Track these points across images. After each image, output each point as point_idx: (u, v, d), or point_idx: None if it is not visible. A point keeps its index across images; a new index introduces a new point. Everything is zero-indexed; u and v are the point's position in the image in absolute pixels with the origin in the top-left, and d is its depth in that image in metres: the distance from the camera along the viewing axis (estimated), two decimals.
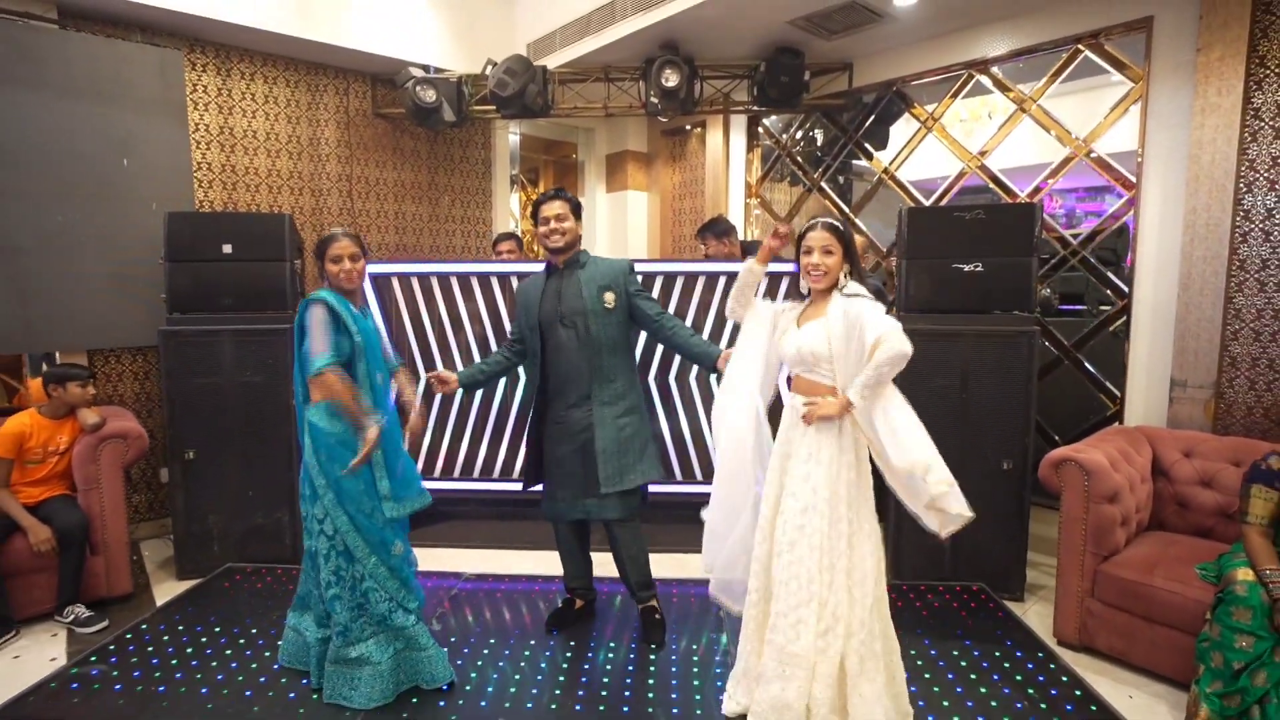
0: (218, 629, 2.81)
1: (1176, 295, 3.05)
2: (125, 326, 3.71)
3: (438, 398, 3.93)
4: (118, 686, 2.41)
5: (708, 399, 3.84)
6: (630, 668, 2.54)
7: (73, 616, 2.88)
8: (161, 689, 2.39)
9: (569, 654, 2.64)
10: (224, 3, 3.71)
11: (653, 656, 2.62)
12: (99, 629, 2.87)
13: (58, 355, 3.60)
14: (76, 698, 2.35)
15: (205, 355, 3.33)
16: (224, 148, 4.12)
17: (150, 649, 2.66)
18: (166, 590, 3.25)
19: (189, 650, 2.64)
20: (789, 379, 2.24)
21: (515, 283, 3.82)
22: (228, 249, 3.37)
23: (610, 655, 2.63)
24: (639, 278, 2.68)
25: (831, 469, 2.01)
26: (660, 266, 3.89)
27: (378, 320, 2.56)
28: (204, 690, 2.39)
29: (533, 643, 2.71)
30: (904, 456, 1.92)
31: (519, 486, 3.83)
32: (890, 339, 1.89)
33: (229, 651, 2.63)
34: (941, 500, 1.94)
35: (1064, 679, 2.43)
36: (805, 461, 2.05)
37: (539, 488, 2.73)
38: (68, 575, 2.90)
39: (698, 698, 2.36)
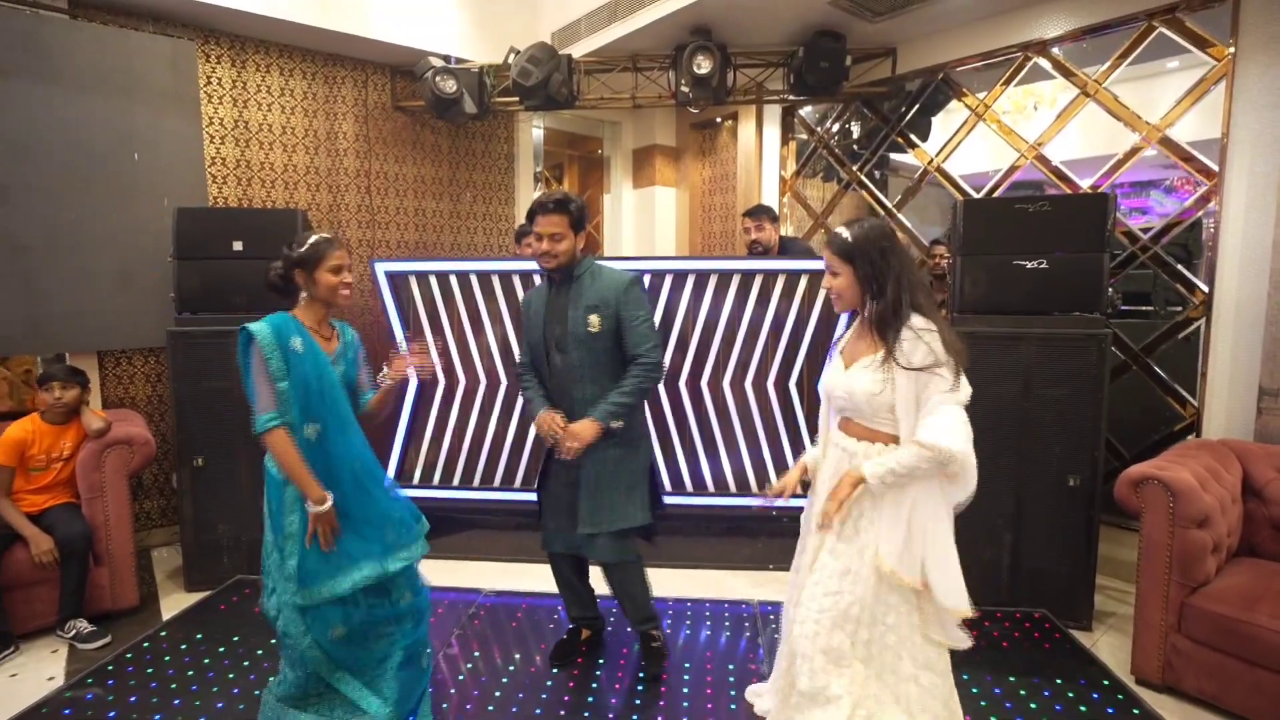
0: (222, 649, 2.64)
1: (1267, 294, 2.75)
2: (136, 327, 3.58)
3: (454, 408, 3.76)
4: (112, 714, 2.24)
5: (765, 409, 3.61)
6: (661, 689, 2.33)
7: (74, 632, 2.74)
8: (158, 717, 2.23)
9: (593, 682, 2.43)
10: None
11: (686, 677, 2.40)
12: (101, 645, 2.73)
13: (68, 357, 3.47)
14: None
15: (215, 357, 3.18)
16: (239, 142, 3.98)
17: (150, 670, 2.50)
18: (174, 603, 3.11)
19: (190, 673, 2.48)
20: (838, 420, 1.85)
21: (538, 281, 3.62)
22: (238, 246, 3.22)
23: (636, 678, 2.43)
24: (641, 292, 2.30)
25: (888, 537, 1.65)
26: (691, 264, 3.67)
27: (362, 357, 2.13)
28: (202, 718, 2.22)
29: (554, 670, 2.51)
30: (941, 595, 1.62)
31: (536, 496, 3.68)
32: (941, 432, 1.54)
33: (232, 675, 2.47)
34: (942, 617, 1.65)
35: None
36: (851, 539, 1.71)
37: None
38: (69, 588, 2.76)
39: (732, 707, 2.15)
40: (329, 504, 1.84)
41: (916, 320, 1.63)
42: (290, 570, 1.85)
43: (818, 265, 3.51)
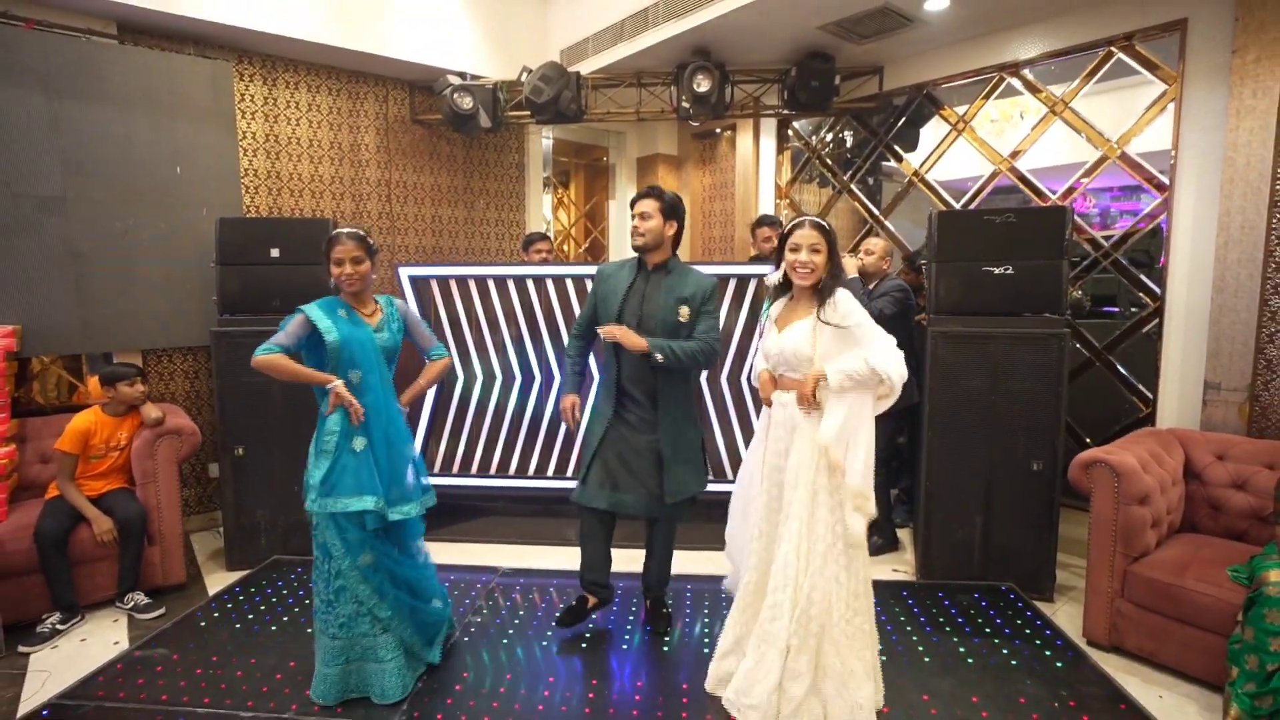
0: (268, 618, 2.94)
1: (1210, 298, 3.04)
2: (178, 327, 3.87)
3: (472, 401, 4.05)
4: (178, 670, 2.54)
5: (739, 399, 3.90)
6: (663, 659, 2.63)
7: (133, 603, 3.04)
8: (219, 673, 2.52)
9: (604, 645, 2.73)
10: (271, 16, 3.86)
11: (687, 641, 2.69)
12: (156, 615, 3.02)
13: (114, 355, 3.76)
14: (140, 679, 2.49)
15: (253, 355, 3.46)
16: (269, 154, 4.27)
17: (206, 635, 2.80)
18: (217, 580, 3.39)
19: (241, 639, 2.77)
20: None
21: (550, 285, 3.92)
22: (275, 252, 3.51)
23: (643, 640, 2.72)
24: (715, 296, 2.59)
25: (817, 456, 2.07)
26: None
27: (411, 318, 2.56)
28: (258, 675, 2.51)
29: (567, 636, 2.81)
30: (850, 476, 2.05)
31: (548, 484, 3.97)
32: (885, 361, 2.00)
33: (281, 639, 2.76)
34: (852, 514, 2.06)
35: (1094, 679, 2.45)
36: (797, 451, 2.14)
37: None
38: (128, 564, 3.05)
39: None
40: (339, 381, 2.27)
41: (841, 292, 2.11)
42: (315, 480, 2.25)
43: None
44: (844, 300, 2.10)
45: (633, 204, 2.60)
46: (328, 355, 2.32)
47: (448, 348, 4.04)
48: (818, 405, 2.09)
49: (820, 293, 2.13)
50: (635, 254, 2.64)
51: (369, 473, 2.30)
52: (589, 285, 3.80)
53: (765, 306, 2.35)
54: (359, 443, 2.31)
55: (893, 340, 2.06)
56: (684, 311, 2.51)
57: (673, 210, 2.57)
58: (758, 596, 2.21)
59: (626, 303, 2.57)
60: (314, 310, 2.31)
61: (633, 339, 2.44)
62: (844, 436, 2.03)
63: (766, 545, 2.22)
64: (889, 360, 2.00)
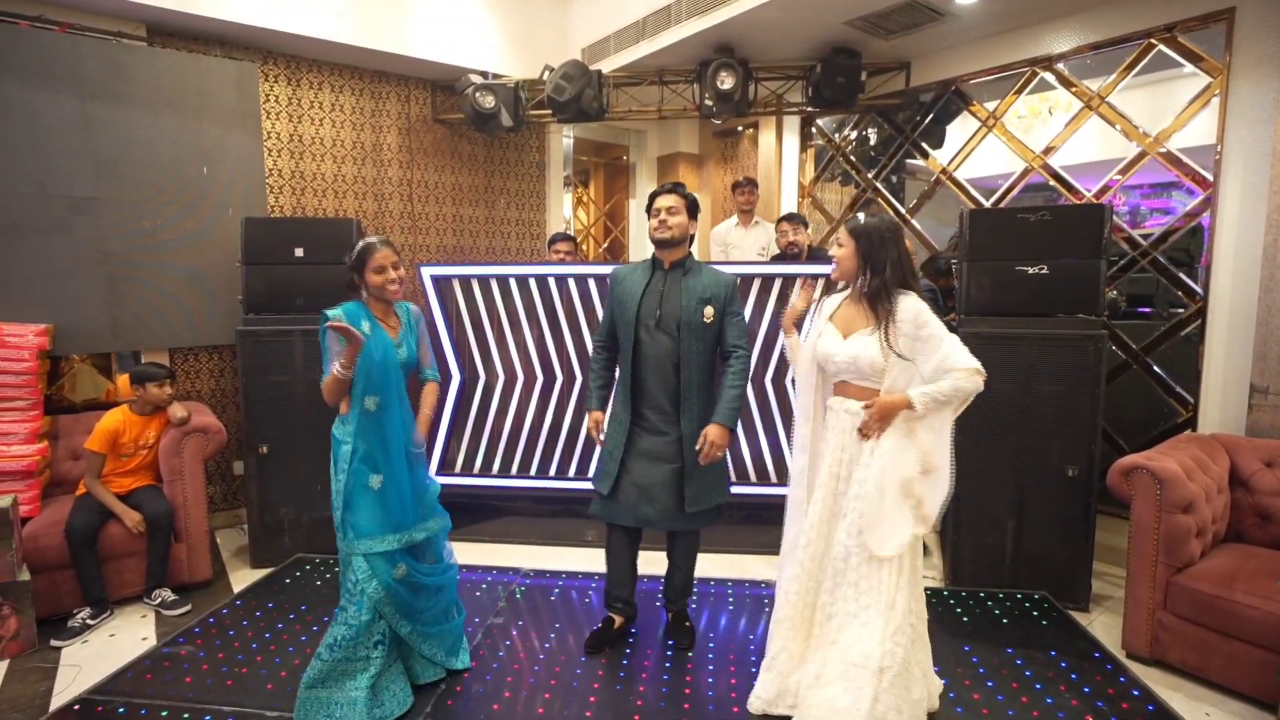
0: (291, 616, 2.94)
1: (1257, 298, 2.93)
2: (204, 326, 3.91)
3: (494, 401, 4.03)
4: (204, 667, 2.55)
5: (784, 401, 3.84)
6: (688, 657, 2.58)
7: (160, 599, 3.06)
8: (244, 671, 2.53)
9: (626, 648, 2.69)
10: (295, 17, 3.87)
11: (711, 645, 2.65)
12: (183, 612, 3.04)
13: (143, 354, 3.80)
14: (169, 675, 2.50)
15: (279, 354, 3.49)
16: (293, 154, 4.29)
17: (231, 633, 2.81)
18: (242, 578, 3.42)
19: (267, 635, 2.78)
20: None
21: (572, 284, 3.90)
22: (299, 252, 3.52)
23: (665, 647, 2.68)
24: (737, 296, 2.54)
25: (897, 460, 2.01)
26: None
27: (423, 331, 2.47)
28: (283, 674, 2.51)
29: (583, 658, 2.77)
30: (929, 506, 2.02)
31: (570, 485, 3.94)
32: (965, 374, 1.95)
33: (304, 638, 2.76)
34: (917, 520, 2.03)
35: (1135, 692, 2.37)
36: (867, 466, 2.04)
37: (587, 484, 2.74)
38: (155, 560, 3.08)
39: (733, 695, 2.38)
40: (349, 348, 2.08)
41: (906, 298, 2.02)
42: (337, 521, 2.22)
43: (829, 269, 3.73)
44: (907, 311, 2.00)
45: (654, 198, 2.52)
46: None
47: (469, 348, 4.04)
48: (884, 427, 2.02)
49: (870, 297, 2.06)
50: (653, 252, 2.57)
51: (392, 509, 2.23)
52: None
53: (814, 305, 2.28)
54: (375, 481, 2.21)
55: (955, 340, 1.99)
56: (708, 312, 2.43)
57: (695, 208, 2.55)
58: (803, 612, 2.16)
59: (644, 303, 2.48)
60: (346, 320, 2.16)
61: (724, 440, 2.42)
62: (929, 464, 1.99)
63: (813, 555, 2.14)
64: (970, 373, 1.95)
